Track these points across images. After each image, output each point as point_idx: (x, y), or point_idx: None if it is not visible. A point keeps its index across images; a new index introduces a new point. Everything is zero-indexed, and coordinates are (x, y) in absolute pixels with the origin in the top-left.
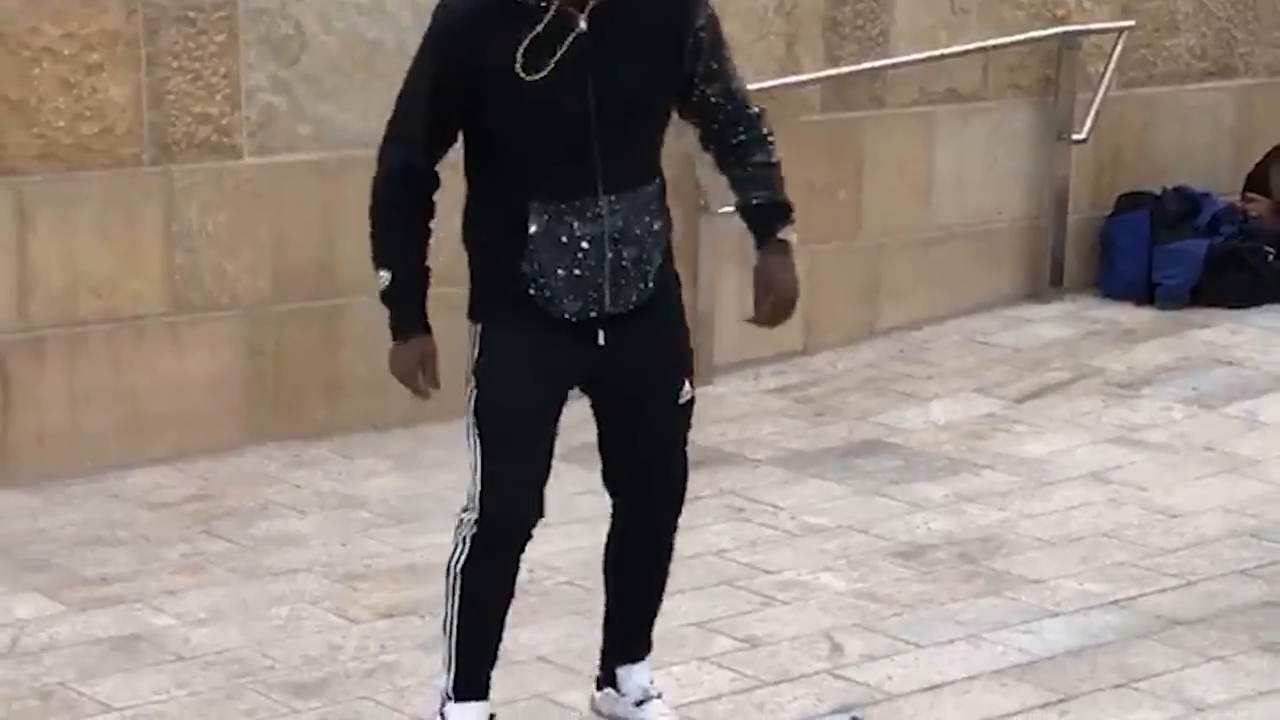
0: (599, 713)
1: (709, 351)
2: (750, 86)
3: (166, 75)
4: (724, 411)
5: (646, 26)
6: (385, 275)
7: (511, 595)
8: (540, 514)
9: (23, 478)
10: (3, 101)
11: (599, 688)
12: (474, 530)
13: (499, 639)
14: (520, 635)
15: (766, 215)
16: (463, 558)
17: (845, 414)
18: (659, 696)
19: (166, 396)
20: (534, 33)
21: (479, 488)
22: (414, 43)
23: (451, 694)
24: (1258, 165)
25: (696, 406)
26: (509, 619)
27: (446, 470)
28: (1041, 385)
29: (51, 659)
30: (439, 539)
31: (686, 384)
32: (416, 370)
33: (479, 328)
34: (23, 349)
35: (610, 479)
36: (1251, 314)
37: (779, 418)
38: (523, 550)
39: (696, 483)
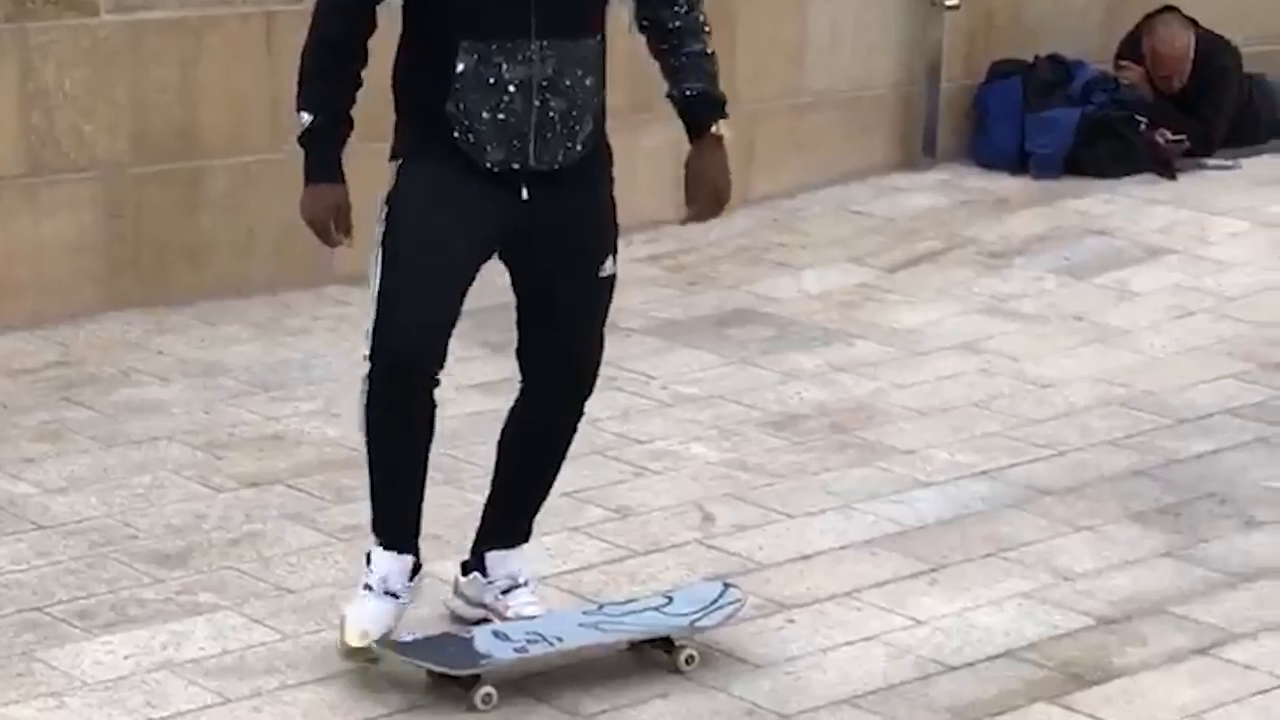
0: (463, 596)
1: None
2: None
3: None
4: None
5: None
6: (307, 117)
7: (428, 438)
8: (442, 359)
9: None
10: None
11: (465, 572)
12: (371, 369)
13: (420, 484)
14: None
15: (701, 107)
16: (366, 399)
17: (718, 283)
18: (526, 584)
19: (23, 261)
20: None
21: (375, 321)
22: None
23: (376, 538)
24: (1130, 32)
25: None
26: None
27: (310, 337)
28: (914, 255)
29: None
30: (304, 406)
31: (610, 259)
32: (329, 217)
33: (399, 162)
34: None
35: (523, 353)
36: (1124, 184)
37: (651, 286)
38: (432, 389)
39: None
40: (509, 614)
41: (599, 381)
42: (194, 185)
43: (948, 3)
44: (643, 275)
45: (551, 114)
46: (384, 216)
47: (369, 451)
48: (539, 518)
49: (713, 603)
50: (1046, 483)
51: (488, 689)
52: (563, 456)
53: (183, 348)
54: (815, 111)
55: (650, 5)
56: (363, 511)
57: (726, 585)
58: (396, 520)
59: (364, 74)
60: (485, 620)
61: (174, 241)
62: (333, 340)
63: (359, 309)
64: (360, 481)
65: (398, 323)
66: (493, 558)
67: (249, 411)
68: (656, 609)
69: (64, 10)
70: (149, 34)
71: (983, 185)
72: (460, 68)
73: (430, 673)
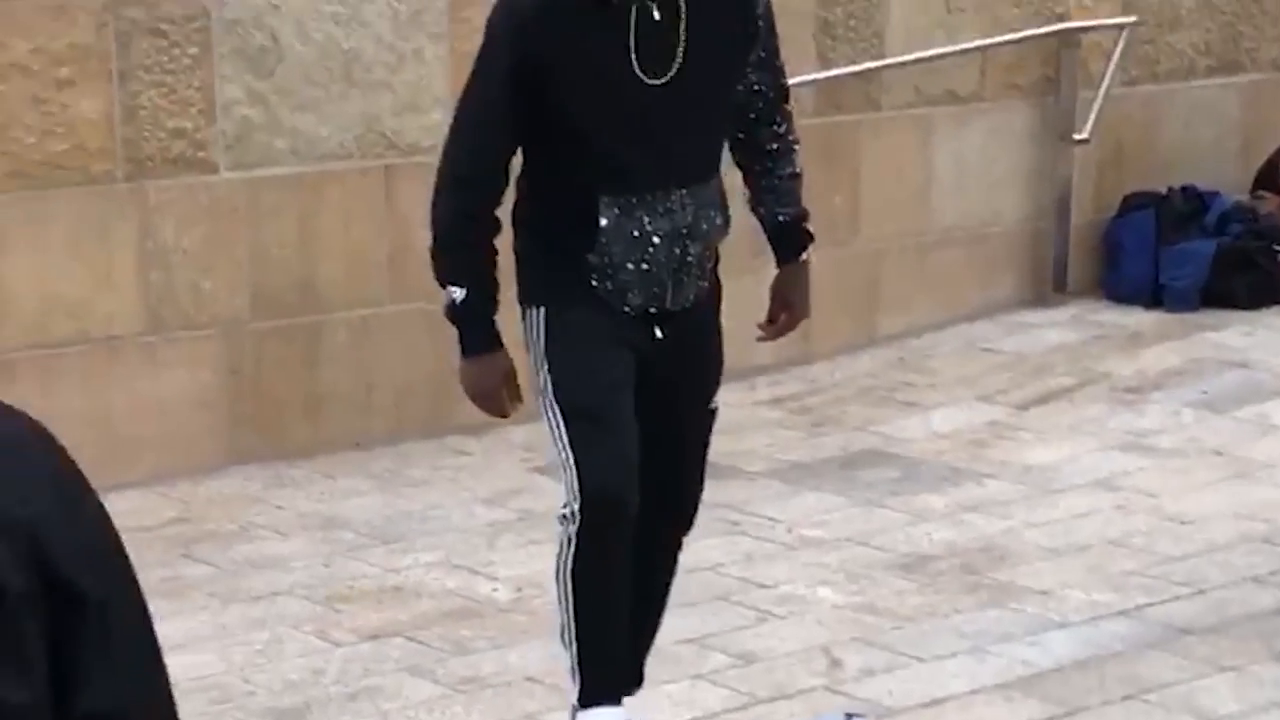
0: None
1: None
2: None
3: (139, 89)
4: (720, 423)
5: (716, 16)
6: (459, 292)
7: (629, 586)
8: (637, 494)
9: None
10: None
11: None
12: (579, 520)
13: (625, 636)
14: (508, 655)
15: (791, 234)
16: (570, 556)
17: (844, 424)
18: None
19: (143, 419)
20: (610, 26)
21: (574, 474)
22: (393, 52)
23: (580, 703)
24: (1267, 162)
25: None
26: (494, 639)
27: (429, 488)
28: (1046, 391)
29: None
30: (424, 558)
31: (717, 391)
32: (500, 387)
33: (541, 311)
34: None
35: None
36: (1263, 315)
37: (775, 429)
38: (629, 535)
39: None
40: None
41: (722, 526)
42: (313, 339)
43: (1076, 136)
44: (766, 418)
45: (690, 258)
46: (545, 370)
47: (576, 613)
48: (661, 666)
49: None
50: (1187, 622)
51: None
52: (667, 594)
53: (302, 501)
54: (942, 248)
55: (746, 121)
56: (483, 663)
57: (850, 714)
58: (612, 672)
59: None
60: None
61: (293, 396)
62: (452, 490)
63: (479, 458)
64: (477, 632)
65: (598, 464)
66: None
67: (368, 564)
68: None
69: (182, 169)
70: (267, 190)
71: (1116, 319)
72: (604, 222)
73: None
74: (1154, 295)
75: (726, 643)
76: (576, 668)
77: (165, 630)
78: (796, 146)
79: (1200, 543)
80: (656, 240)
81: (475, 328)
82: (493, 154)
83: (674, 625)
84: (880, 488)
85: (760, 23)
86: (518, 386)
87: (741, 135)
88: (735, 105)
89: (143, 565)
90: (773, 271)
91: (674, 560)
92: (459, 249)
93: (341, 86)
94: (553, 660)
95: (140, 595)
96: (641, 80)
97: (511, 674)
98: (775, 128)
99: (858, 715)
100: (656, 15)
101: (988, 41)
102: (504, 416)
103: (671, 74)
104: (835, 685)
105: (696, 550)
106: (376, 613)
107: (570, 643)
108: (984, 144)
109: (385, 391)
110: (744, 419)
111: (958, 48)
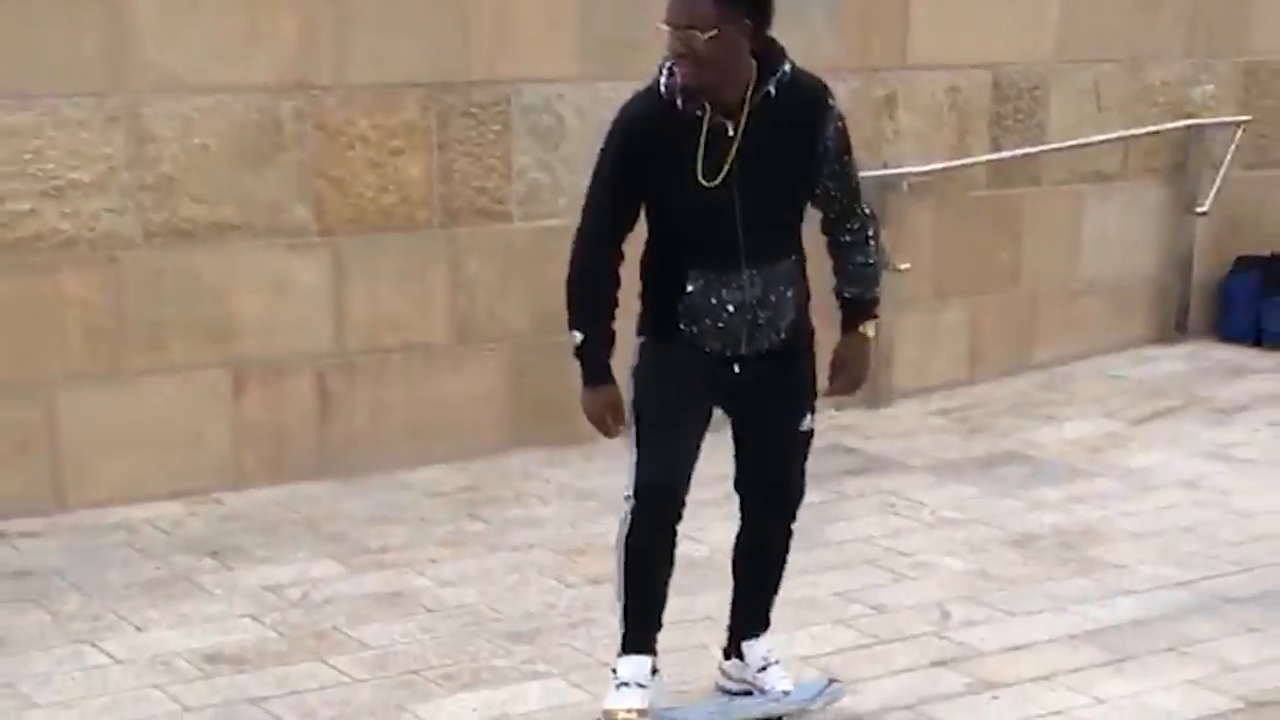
0: (728, 677)
1: (888, 380)
2: (926, 167)
3: (453, 157)
4: (895, 428)
5: (786, 134)
6: (579, 336)
7: (670, 566)
8: (684, 494)
9: (336, 470)
10: (325, 178)
11: (726, 657)
12: (632, 505)
13: (663, 603)
14: (695, 599)
15: (853, 309)
16: (625, 532)
17: (993, 431)
18: (777, 663)
19: (448, 410)
20: (688, 135)
21: (634, 469)
22: None
23: (622, 649)
24: None
25: (871, 422)
26: (687, 585)
27: None
28: (1156, 410)
29: (331, 609)
30: None
31: (809, 416)
32: (606, 412)
33: (641, 341)
34: (339, 370)
35: (739, 486)
36: None
37: (938, 434)
38: (675, 524)
39: (860, 484)
40: (765, 687)
41: (880, 506)
42: None
43: (1199, 209)
44: (933, 424)
45: (760, 322)
46: (632, 386)
47: (625, 576)
48: (811, 611)
49: (819, 692)
50: (1230, 592)
51: None
52: (781, 564)
53: (564, 477)
54: (1086, 295)
55: (827, 218)
56: (675, 604)
57: (831, 680)
58: (643, 632)
59: None
60: (747, 692)
61: (564, 396)
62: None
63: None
64: (677, 579)
65: (650, 467)
66: (746, 645)
67: (604, 526)
68: (775, 700)
69: (485, 219)
70: (549, 236)
71: (1224, 357)
72: (690, 288)
73: None
74: (1256, 338)
75: (865, 596)
76: (621, 620)
77: (444, 572)
78: (871, 242)
79: (1256, 532)
80: (730, 308)
81: (589, 364)
82: (605, 229)
83: (826, 581)
84: (1011, 481)
85: (829, 143)
86: (622, 413)
87: (825, 225)
88: (819, 203)
89: (436, 521)
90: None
91: (782, 541)
92: (578, 303)
93: None
94: (727, 604)
95: None
96: (701, 183)
97: (695, 614)
98: (849, 225)
99: (836, 681)
100: (730, 131)
101: (1129, 133)
102: (609, 436)
103: (720, 179)
104: (941, 632)
105: (855, 525)
106: (602, 564)
107: (620, 599)
108: (1123, 213)
109: None
110: (916, 425)
111: (1105, 137)
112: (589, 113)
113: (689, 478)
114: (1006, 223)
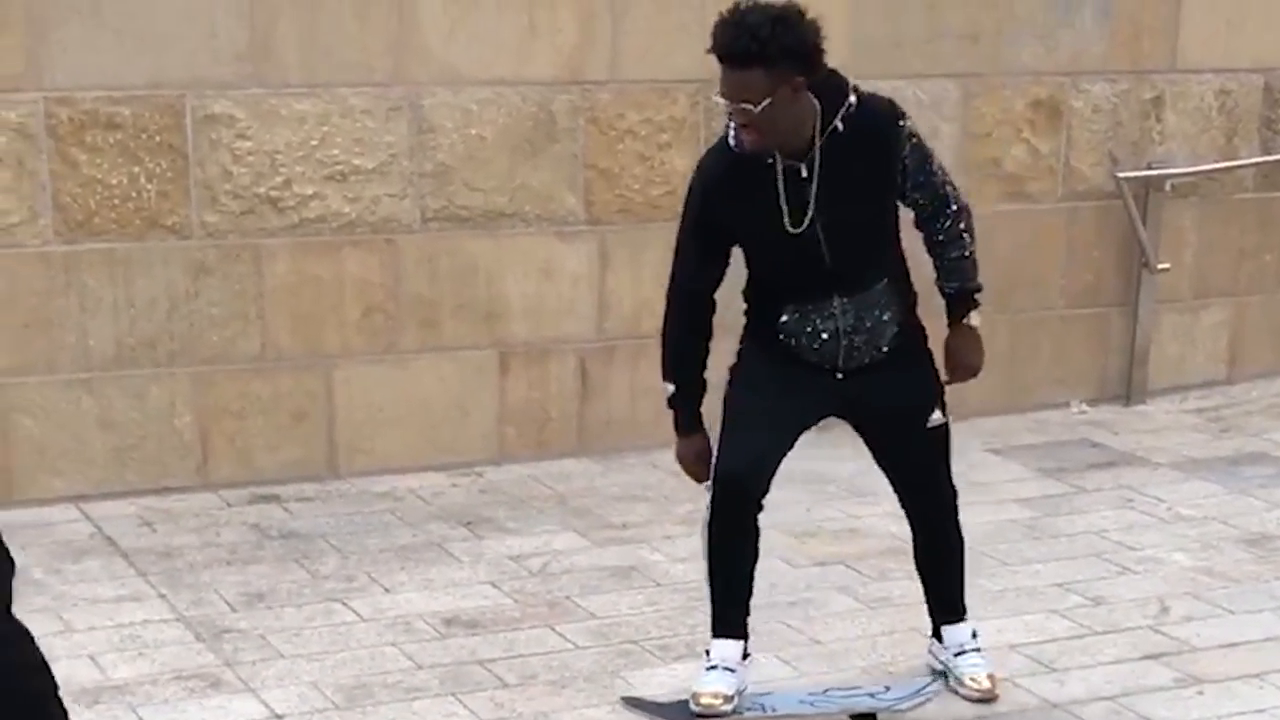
0: (934, 656)
1: (1143, 379)
2: (1192, 169)
3: None
4: (1146, 425)
5: (861, 164)
6: (670, 387)
7: (754, 552)
8: (764, 488)
9: (593, 449)
10: (594, 169)
11: (933, 637)
12: (713, 493)
13: (748, 588)
14: (913, 586)
15: (956, 302)
16: (708, 518)
17: (1244, 431)
18: (977, 649)
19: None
20: (767, 183)
21: (717, 460)
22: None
23: (713, 632)
24: None
25: (1123, 418)
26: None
27: None
28: None
29: (566, 579)
30: (881, 509)
31: (936, 412)
32: (694, 460)
33: (741, 347)
34: (599, 354)
35: (894, 490)
36: None
37: (1189, 432)
38: (754, 512)
39: (1101, 478)
40: (958, 672)
41: (1117, 501)
42: None
43: None
44: (1185, 423)
45: (856, 346)
46: (728, 381)
47: (709, 561)
48: (1028, 599)
49: (917, 690)
50: None
51: None
52: (953, 560)
53: (806, 462)
54: None
55: (920, 219)
56: (894, 588)
57: (930, 681)
58: (731, 615)
59: None
60: (944, 674)
61: None
62: None
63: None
64: (900, 565)
65: (731, 456)
66: (945, 630)
67: (837, 510)
68: (871, 694)
69: None
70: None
71: None
72: (784, 318)
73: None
74: None
75: (1085, 588)
76: (710, 603)
77: (677, 548)
78: (964, 234)
79: None
80: (824, 335)
81: (681, 414)
82: (692, 282)
83: (1050, 571)
84: (1253, 481)
85: (907, 161)
86: (709, 463)
87: (919, 226)
88: (910, 208)
89: (677, 500)
90: None
91: (944, 539)
92: (670, 355)
93: None
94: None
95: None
96: (783, 227)
97: (912, 597)
98: (939, 223)
99: (935, 682)
100: (804, 173)
101: None
102: (698, 482)
103: (802, 222)
104: (1157, 626)
105: (1090, 518)
106: (830, 546)
107: (708, 582)
108: None
109: None
110: (1169, 422)
111: None
112: None
113: (772, 470)
114: (1272, 225)
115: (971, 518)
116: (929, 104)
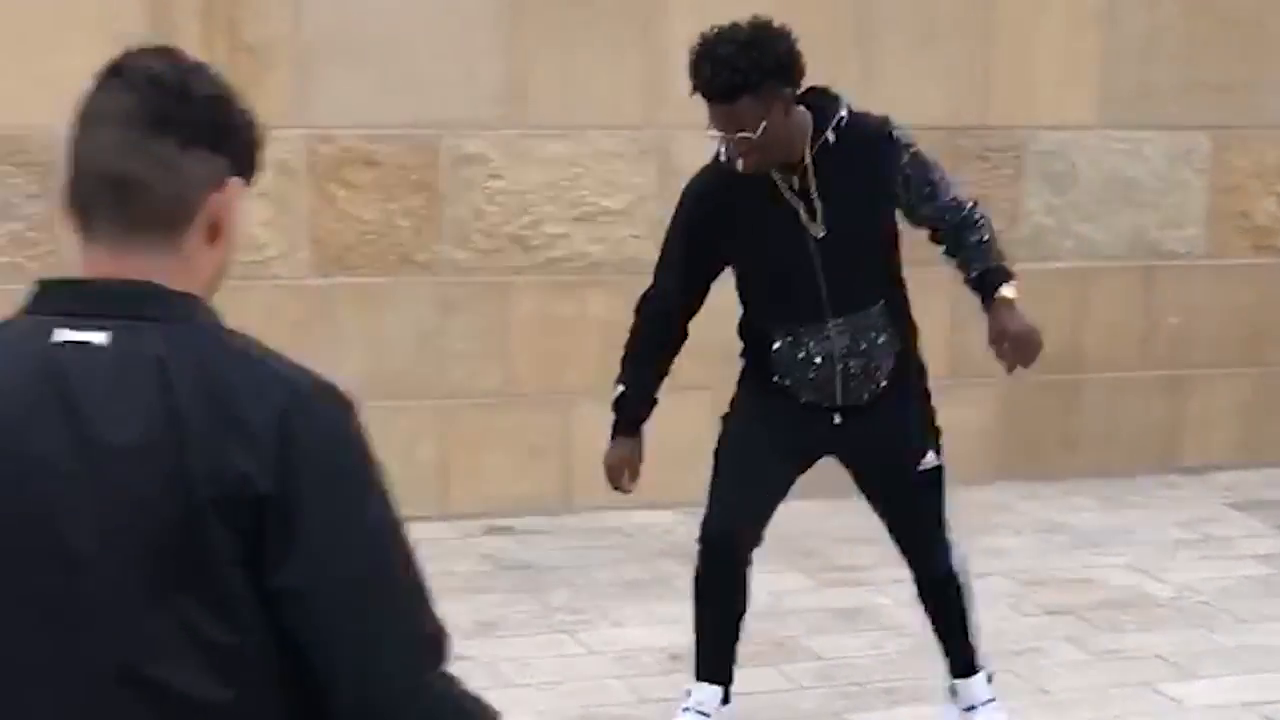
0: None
1: None
2: None
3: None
4: None
5: (855, 176)
6: (620, 388)
7: (736, 605)
8: (751, 542)
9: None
10: None
11: (949, 690)
12: (699, 548)
13: (733, 636)
14: (1149, 636)
15: (985, 281)
16: (695, 568)
17: None
18: (989, 702)
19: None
20: (760, 201)
21: (705, 516)
22: (1163, 180)
23: (695, 674)
24: None
25: None
26: (1144, 623)
27: (1140, 511)
28: None
29: (793, 619)
30: (1113, 560)
31: (929, 454)
32: (621, 466)
33: (737, 389)
34: None
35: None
36: None
37: None
38: (739, 566)
39: None
40: None
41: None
42: (1074, 392)
43: None
44: None
45: (852, 371)
46: (719, 432)
47: (695, 609)
48: (1264, 659)
49: None
50: None
51: None
52: (956, 611)
53: (1039, 511)
54: None
55: (934, 236)
56: (1125, 640)
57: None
58: (711, 660)
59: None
60: None
61: (1051, 433)
62: (1158, 515)
63: (1187, 491)
64: (1133, 617)
65: (716, 510)
66: (960, 685)
67: (1070, 560)
68: None
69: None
70: (1054, 279)
71: None
72: (777, 345)
73: None
74: None
75: None
76: (695, 647)
77: (903, 593)
78: (979, 222)
79: None
80: (818, 359)
81: (620, 417)
82: (671, 289)
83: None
84: None
85: (908, 172)
86: (637, 471)
87: (933, 238)
88: (919, 223)
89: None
90: None
91: (942, 590)
92: (627, 359)
93: (1119, 204)
94: (1182, 644)
95: (352, 495)
96: (776, 241)
97: (1145, 651)
98: (945, 218)
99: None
100: (796, 185)
101: None
102: (620, 491)
103: (795, 234)
104: None
105: None
106: (1061, 595)
107: (694, 629)
108: None
109: (1124, 436)
110: None
111: None
112: (1102, 162)
113: (760, 522)
114: None
115: (1207, 573)
116: (1179, 155)
